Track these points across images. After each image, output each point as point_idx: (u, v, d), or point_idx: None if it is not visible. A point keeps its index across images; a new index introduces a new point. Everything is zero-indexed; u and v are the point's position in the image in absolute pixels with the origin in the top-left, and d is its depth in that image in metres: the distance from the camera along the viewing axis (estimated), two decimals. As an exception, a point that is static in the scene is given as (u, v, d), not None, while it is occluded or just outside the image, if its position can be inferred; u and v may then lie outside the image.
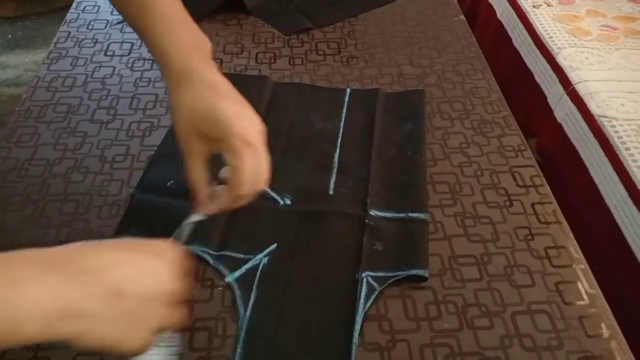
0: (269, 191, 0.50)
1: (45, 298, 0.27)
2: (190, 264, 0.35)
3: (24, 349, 0.40)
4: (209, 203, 0.40)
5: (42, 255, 0.29)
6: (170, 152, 0.53)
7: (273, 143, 0.40)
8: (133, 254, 0.31)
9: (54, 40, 0.71)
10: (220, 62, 0.68)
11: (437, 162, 0.56)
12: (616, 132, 0.72)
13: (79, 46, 0.70)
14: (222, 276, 0.45)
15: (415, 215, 0.50)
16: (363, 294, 0.44)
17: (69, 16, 0.75)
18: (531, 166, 0.57)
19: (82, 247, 0.30)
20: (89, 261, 0.29)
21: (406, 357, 0.41)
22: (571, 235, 0.50)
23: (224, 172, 0.40)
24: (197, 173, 0.40)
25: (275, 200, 0.51)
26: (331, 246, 0.47)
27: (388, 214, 0.50)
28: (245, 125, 0.38)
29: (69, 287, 0.28)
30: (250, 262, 0.46)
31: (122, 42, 0.70)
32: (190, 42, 0.41)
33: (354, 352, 0.40)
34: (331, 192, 0.52)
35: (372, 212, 0.50)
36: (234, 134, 0.37)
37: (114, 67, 0.66)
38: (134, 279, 0.30)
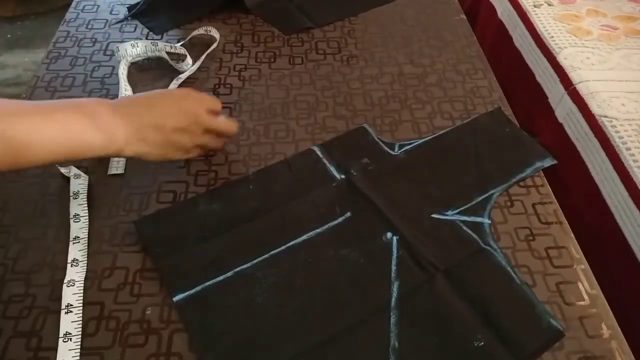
0: None
1: (119, 127, 0.44)
2: (213, 100, 0.53)
3: (24, 349, 0.40)
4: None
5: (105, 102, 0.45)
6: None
7: None
8: (167, 97, 0.50)
9: (53, 39, 0.71)
10: (220, 62, 0.68)
11: (437, 162, 0.56)
12: (617, 132, 0.72)
13: (78, 46, 0.70)
14: None
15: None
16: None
17: (68, 16, 0.75)
18: (532, 166, 0.56)
19: (135, 98, 0.50)
20: (141, 106, 0.47)
21: (406, 358, 0.41)
22: (572, 235, 0.50)
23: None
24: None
25: None
26: None
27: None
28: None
29: (133, 122, 0.45)
30: None
31: (121, 42, 0.70)
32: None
33: None
34: None
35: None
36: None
37: (113, 67, 0.66)
38: (170, 115, 0.48)
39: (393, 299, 0.44)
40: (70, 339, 0.41)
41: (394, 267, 0.46)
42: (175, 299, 0.43)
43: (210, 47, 0.69)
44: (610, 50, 0.87)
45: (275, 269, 0.45)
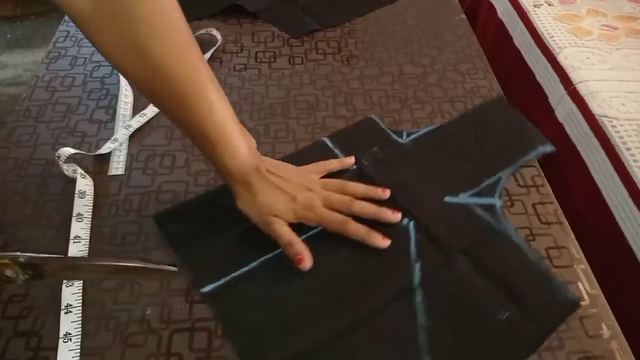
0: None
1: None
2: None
3: (24, 349, 0.40)
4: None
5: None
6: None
7: None
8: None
9: (53, 39, 0.71)
10: (220, 62, 0.68)
11: (437, 162, 0.56)
12: (617, 132, 0.72)
13: (78, 45, 0.70)
14: None
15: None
16: None
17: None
18: (532, 166, 0.56)
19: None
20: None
21: None
22: (572, 235, 0.50)
23: None
24: (286, 231, 0.46)
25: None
26: None
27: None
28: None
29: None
30: None
31: (121, 42, 0.70)
32: (242, 149, 0.44)
33: None
34: None
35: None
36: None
37: (114, 67, 0.66)
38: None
39: (416, 280, 0.45)
40: (71, 339, 0.41)
41: (413, 250, 0.47)
42: (203, 290, 0.44)
43: (211, 47, 0.69)
44: (610, 50, 0.87)
45: None
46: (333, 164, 0.53)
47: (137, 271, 0.39)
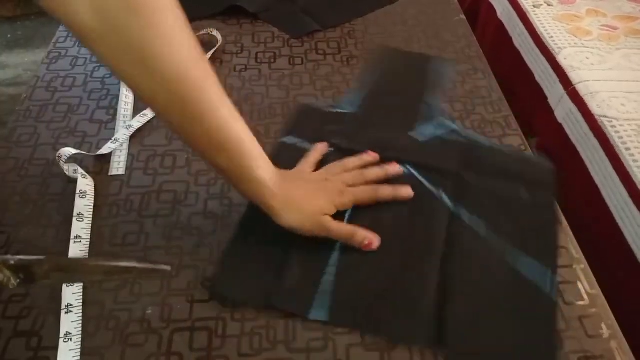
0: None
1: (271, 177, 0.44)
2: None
3: (24, 349, 0.40)
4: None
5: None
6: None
7: None
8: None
9: (54, 39, 0.71)
10: (220, 62, 0.68)
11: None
12: (617, 132, 0.72)
13: (78, 46, 0.70)
14: None
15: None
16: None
17: (68, 16, 0.75)
18: (532, 166, 0.56)
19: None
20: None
21: (407, 357, 0.41)
22: (571, 235, 0.50)
23: None
24: (341, 225, 0.47)
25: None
26: None
27: None
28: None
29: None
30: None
31: (122, 42, 0.70)
32: (270, 175, 0.44)
33: None
34: None
35: None
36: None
37: (114, 67, 0.66)
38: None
39: (450, 206, 0.51)
40: (71, 339, 0.41)
41: (428, 185, 0.52)
42: (311, 317, 0.43)
43: (211, 47, 0.69)
44: (610, 50, 0.87)
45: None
46: (311, 158, 0.53)
47: (131, 271, 0.39)
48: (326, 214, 0.46)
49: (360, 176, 0.50)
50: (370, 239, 0.46)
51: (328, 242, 0.47)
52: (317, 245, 0.46)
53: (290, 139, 0.57)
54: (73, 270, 0.37)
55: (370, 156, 0.53)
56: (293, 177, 0.49)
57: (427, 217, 0.50)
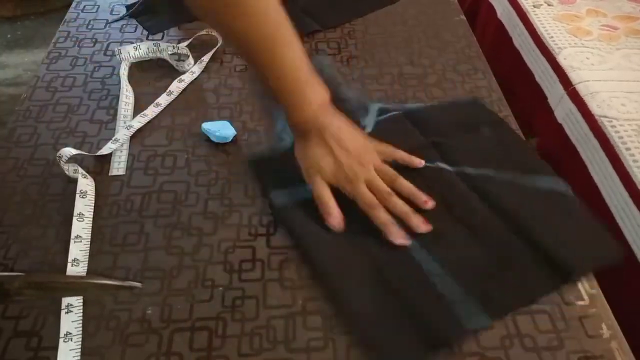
0: None
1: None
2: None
3: (24, 349, 0.40)
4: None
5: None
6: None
7: None
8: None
9: (54, 40, 0.71)
10: (220, 62, 0.68)
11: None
12: (617, 132, 0.72)
13: (78, 46, 0.70)
14: None
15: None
16: None
17: (68, 16, 0.75)
18: (532, 166, 0.56)
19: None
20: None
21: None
22: (572, 235, 0.50)
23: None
24: (325, 193, 0.48)
25: None
26: None
27: None
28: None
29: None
30: None
31: (121, 42, 0.70)
32: (316, 99, 0.48)
33: None
34: None
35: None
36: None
37: (114, 67, 0.66)
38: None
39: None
40: (71, 339, 0.41)
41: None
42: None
43: (211, 48, 0.69)
44: (610, 50, 0.87)
45: None
46: (402, 156, 0.53)
47: (104, 288, 0.39)
48: (322, 177, 0.49)
49: (384, 195, 0.48)
50: (330, 215, 0.48)
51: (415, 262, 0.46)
52: (410, 270, 0.46)
53: (279, 199, 0.51)
54: (46, 288, 0.37)
55: (422, 201, 0.49)
56: (343, 135, 0.49)
57: (454, 193, 0.51)
